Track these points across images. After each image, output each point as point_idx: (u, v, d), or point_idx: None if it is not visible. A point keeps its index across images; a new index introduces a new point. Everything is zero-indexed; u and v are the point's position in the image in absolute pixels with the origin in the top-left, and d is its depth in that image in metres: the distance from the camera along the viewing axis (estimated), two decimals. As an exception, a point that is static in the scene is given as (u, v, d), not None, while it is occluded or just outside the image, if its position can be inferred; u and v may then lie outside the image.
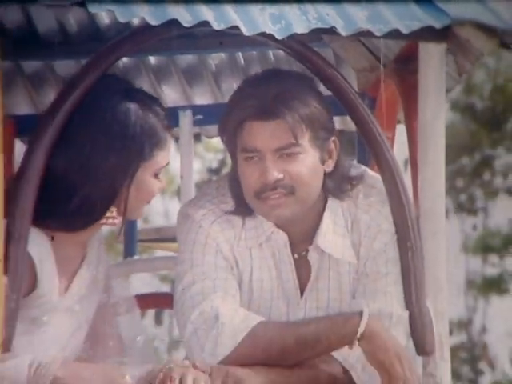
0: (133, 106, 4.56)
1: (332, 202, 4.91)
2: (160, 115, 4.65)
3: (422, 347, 4.59)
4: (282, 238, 4.82)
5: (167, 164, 4.75)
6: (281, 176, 4.67)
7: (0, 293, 4.21)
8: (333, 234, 4.86)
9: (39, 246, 4.55)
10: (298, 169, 4.67)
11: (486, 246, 21.63)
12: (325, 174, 4.80)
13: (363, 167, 4.88)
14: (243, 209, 4.85)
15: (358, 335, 4.50)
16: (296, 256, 4.89)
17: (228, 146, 4.87)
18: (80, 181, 4.54)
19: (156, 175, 4.71)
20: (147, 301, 6.70)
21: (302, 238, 4.89)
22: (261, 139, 4.67)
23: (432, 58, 4.56)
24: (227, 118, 4.82)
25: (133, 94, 4.62)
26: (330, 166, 4.78)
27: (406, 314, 4.66)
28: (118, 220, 4.72)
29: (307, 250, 4.87)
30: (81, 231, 4.66)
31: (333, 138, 4.74)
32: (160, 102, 4.76)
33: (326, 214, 4.88)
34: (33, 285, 4.52)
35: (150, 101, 4.66)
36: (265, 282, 4.84)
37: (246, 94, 4.78)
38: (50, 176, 4.53)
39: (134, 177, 4.59)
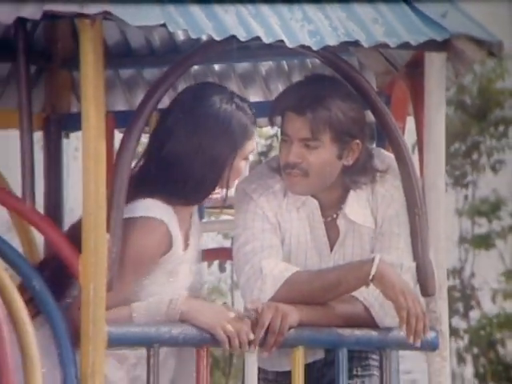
0: (233, 109, 4.62)
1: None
2: (249, 113, 4.69)
3: (426, 290, 4.56)
4: (313, 203, 4.86)
5: (253, 150, 4.82)
6: (299, 160, 4.76)
7: (104, 246, 4.21)
8: (357, 206, 4.87)
9: (169, 215, 4.63)
10: (314, 158, 4.72)
11: (474, 211, 21.54)
12: (344, 166, 4.81)
13: (385, 155, 4.87)
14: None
15: (371, 276, 4.50)
16: (328, 219, 4.90)
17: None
18: (195, 167, 4.62)
19: (245, 159, 4.80)
20: (213, 254, 6.86)
21: (330, 205, 4.91)
22: (291, 128, 4.73)
23: (435, 64, 4.53)
24: (275, 107, 4.85)
25: (230, 97, 4.65)
26: (349, 161, 4.78)
27: (414, 264, 4.64)
28: (221, 193, 4.82)
29: (336, 216, 4.89)
30: (195, 204, 4.81)
31: (356, 141, 4.72)
32: (249, 102, 4.79)
33: (352, 192, 4.89)
34: (170, 245, 4.60)
35: (242, 102, 4.70)
36: (301, 238, 4.87)
37: (289, 91, 4.86)
38: (170, 164, 4.62)
39: (233, 162, 4.66)
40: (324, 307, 4.71)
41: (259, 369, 5.14)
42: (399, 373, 4.82)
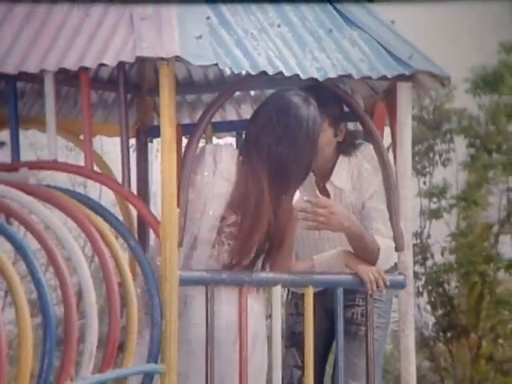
0: (314, 115, 4.29)
1: (342, 158, 4.70)
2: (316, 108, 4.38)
3: (398, 246, 4.37)
4: (310, 174, 4.54)
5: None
6: None
7: (176, 216, 4.11)
8: (341, 177, 4.65)
9: None
10: (320, 140, 4.40)
11: (430, 193, 21.55)
12: (337, 142, 4.65)
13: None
14: None
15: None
16: (321, 185, 4.70)
17: None
18: (296, 161, 4.25)
19: None
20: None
21: (323, 175, 4.68)
22: None
23: (404, 91, 4.39)
24: None
25: (307, 101, 4.31)
26: (340, 138, 4.63)
27: (391, 231, 4.42)
28: None
29: (326, 183, 4.69)
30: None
31: (343, 123, 4.63)
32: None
33: (337, 166, 4.68)
34: None
35: (315, 107, 4.36)
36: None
37: None
38: (275, 162, 4.26)
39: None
40: None
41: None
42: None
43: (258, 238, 4.25)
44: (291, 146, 4.29)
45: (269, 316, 4.83)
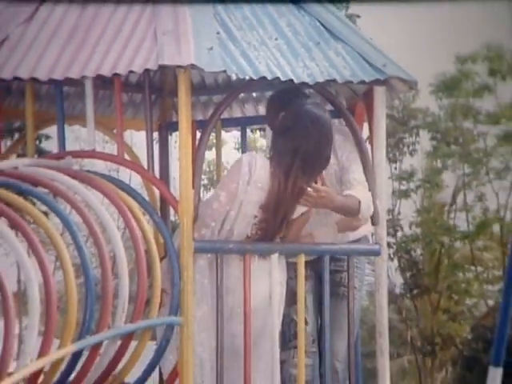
0: (330, 118, 4.23)
1: None
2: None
3: (374, 221, 4.31)
4: None
5: None
6: None
7: (191, 196, 4.07)
8: None
9: None
10: None
11: (400, 177, 21.53)
12: None
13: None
14: None
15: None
16: None
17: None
18: (323, 157, 4.15)
19: None
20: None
21: None
22: None
23: (379, 93, 4.36)
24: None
25: (325, 110, 4.26)
26: None
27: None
28: None
29: None
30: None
31: None
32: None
33: None
34: None
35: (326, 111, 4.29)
36: None
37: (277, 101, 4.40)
38: (307, 162, 4.14)
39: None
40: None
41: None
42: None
43: (281, 228, 4.21)
44: (322, 146, 4.20)
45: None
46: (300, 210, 4.26)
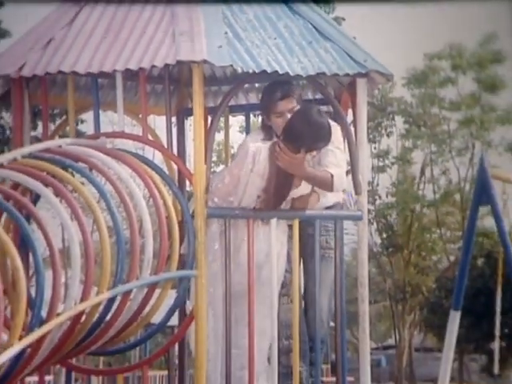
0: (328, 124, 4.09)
1: None
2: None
3: (357, 191, 4.27)
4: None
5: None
6: None
7: (203, 170, 4.05)
8: None
9: None
10: None
11: (378, 155, 21.47)
12: None
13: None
14: (268, 136, 4.28)
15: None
16: None
17: (265, 113, 4.32)
18: (313, 139, 4.01)
19: None
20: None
21: None
22: (284, 106, 4.18)
23: (361, 84, 4.30)
24: (270, 101, 4.19)
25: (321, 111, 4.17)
26: None
27: (339, 161, 4.24)
28: None
29: None
30: None
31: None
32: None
33: None
34: None
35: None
36: None
37: (274, 90, 4.23)
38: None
39: None
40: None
41: None
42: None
43: (281, 204, 4.16)
44: (324, 139, 4.10)
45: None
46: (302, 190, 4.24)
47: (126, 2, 4.33)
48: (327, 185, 4.16)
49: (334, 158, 4.19)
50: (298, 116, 4.14)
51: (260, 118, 4.47)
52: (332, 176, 4.13)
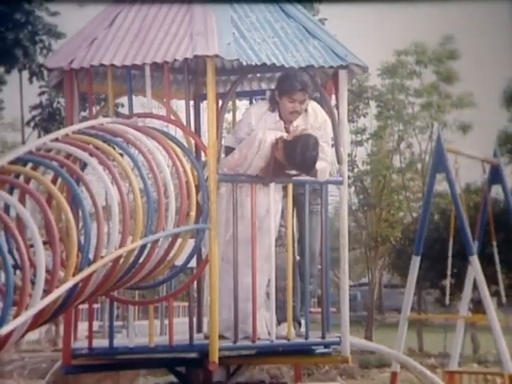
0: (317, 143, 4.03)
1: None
2: None
3: (340, 161, 4.26)
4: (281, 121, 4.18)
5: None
6: (300, 109, 4.12)
7: (215, 143, 3.99)
8: (300, 121, 4.16)
9: None
10: (304, 107, 4.14)
11: (356, 132, 21.20)
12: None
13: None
14: (272, 108, 4.15)
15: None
16: (285, 126, 4.18)
17: (280, 94, 4.15)
18: (300, 164, 3.97)
19: None
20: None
21: (289, 122, 4.17)
22: (299, 97, 4.08)
23: (342, 75, 4.28)
24: (291, 86, 4.08)
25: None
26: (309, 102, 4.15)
27: (326, 156, 4.18)
28: None
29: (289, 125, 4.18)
30: None
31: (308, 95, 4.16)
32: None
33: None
34: None
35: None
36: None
37: (292, 79, 4.12)
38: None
39: None
40: None
41: None
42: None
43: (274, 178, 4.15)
44: (307, 163, 3.99)
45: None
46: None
47: (154, 6, 4.29)
48: (312, 177, 4.14)
49: (322, 152, 4.14)
50: (299, 145, 3.99)
51: (268, 93, 4.34)
52: (316, 171, 4.07)
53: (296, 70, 4.11)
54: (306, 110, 4.19)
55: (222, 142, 4.29)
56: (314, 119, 4.19)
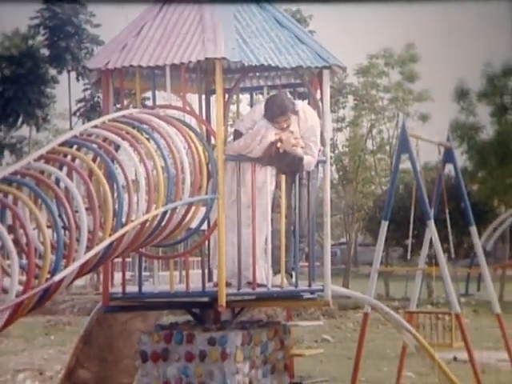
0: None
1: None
2: None
3: (323, 143, 4.18)
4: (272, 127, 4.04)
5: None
6: (285, 125, 4.01)
7: (222, 128, 3.95)
8: (295, 122, 4.05)
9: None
10: (290, 122, 4.03)
11: (336, 120, 21.01)
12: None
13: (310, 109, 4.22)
14: None
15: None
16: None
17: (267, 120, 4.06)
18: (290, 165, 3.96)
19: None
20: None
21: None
22: (280, 121, 4.00)
23: (326, 74, 4.22)
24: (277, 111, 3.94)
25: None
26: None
27: (314, 150, 4.10)
28: None
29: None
30: None
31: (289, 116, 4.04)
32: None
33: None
34: None
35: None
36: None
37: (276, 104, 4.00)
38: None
39: None
40: None
41: None
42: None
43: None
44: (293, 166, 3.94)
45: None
46: None
47: (173, 18, 4.23)
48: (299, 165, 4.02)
49: (310, 150, 4.09)
50: (287, 159, 3.95)
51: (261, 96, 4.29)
52: (303, 165, 3.99)
53: (276, 95, 4.05)
54: (297, 114, 4.09)
55: (233, 127, 4.24)
56: (304, 123, 4.10)
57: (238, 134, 4.15)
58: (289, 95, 4.33)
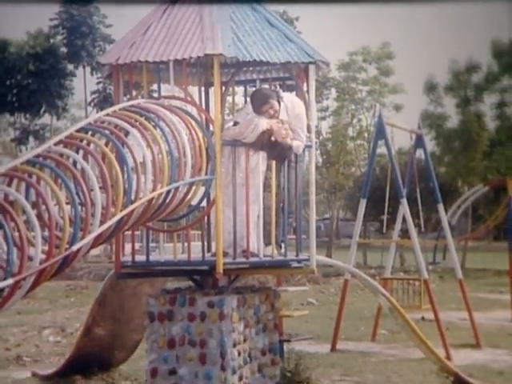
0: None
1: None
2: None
3: (309, 131, 4.12)
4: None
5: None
6: (272, 112, 4.05)
7: (219, 122, 3.93)
8: (284, 111, 4.06)
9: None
10: (276, 108, 4.03)
11: (321, 110, 20.92)
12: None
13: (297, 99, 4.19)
14: None
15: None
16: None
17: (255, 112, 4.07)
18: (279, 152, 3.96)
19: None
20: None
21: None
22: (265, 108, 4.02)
23: (312, 68, 4.18)
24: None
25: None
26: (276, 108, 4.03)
27: (303, 136, 4.06)
28: None
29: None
30: None
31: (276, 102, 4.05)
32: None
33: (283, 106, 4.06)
34: None
35: None
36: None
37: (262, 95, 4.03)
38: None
39: None
40: None
41: None
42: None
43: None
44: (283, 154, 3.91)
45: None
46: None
47: (176, 18, 4.16)
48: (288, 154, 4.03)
49: (298, 135, 4.07)
50: (277, 148, 3.94)
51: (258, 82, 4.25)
52: (292, 148, 3.96)
53: (256, 90, 4.05)
54: (282, 100, 4.09)
55: (229, 116, 4.21)
56: (291, 111, 4.07)
57: (236, 124, 4.14)
58: (273, 87, 4.29)
